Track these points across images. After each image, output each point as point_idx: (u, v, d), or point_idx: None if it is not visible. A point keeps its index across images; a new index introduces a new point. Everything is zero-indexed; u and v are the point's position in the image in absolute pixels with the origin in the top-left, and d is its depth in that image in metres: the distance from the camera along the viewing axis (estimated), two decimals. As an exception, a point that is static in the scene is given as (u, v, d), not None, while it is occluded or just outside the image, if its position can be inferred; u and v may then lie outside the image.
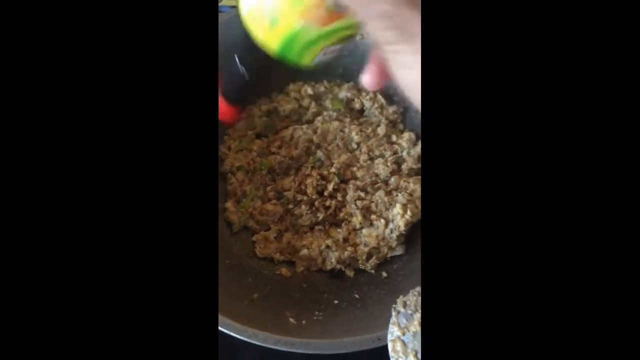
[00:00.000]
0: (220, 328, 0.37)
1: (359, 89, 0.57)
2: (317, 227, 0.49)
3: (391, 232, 0.47)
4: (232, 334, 0.37)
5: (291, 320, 0.41)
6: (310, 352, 0.37)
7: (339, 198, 0.49)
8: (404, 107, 0.56)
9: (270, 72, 0.32)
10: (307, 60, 0.29)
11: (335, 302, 0.44)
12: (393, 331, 0.32)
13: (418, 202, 0.48)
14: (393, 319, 0.33)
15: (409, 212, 0.47)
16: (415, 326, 0.32)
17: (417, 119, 0.55)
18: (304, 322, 0.41)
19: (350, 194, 0.49)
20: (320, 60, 0.29)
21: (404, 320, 0.32)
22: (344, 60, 0.57)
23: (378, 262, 0.47)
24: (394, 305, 0.33)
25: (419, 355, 0.31)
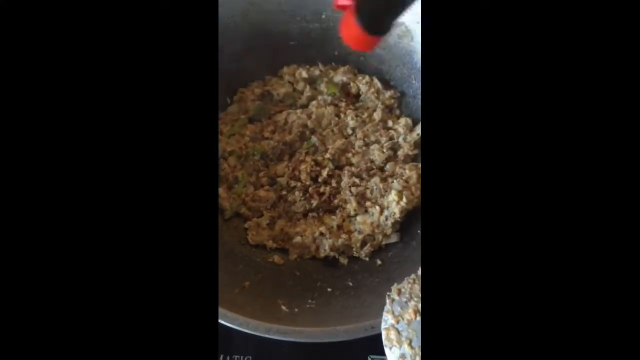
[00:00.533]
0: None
1: (355, 73, 0.55)
2: (310, 214, 0.48)
3: (386, 219, 0.46)
4: (222, 322, 0.36)
5: (283, 308, 0.40)
6: (302, 340, 0.36)
7: (334, 184, 0.48)
8: (401, 92, 0.55)
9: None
10: None
11: (329, 290, 0.43)
12: (387, 319, 0.32)
13: (414, 189, 0.47)
14: (387, 307, 0.32)
15: (404, 199, 0.46)
16: (410, 314, 0.31)
17: (414, 104, 0.53)
18: (296, 310, 0.40)
19: (345, 180, 0.48)
20: None
21: (398, 308, 0.32)
22: (339, 43, 0.55)
23: (372, 249, 0.46)
24: (388, 293, 0.32)
25: (413, 344, 0.30)
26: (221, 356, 0.44)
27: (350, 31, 0.31)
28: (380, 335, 0.35)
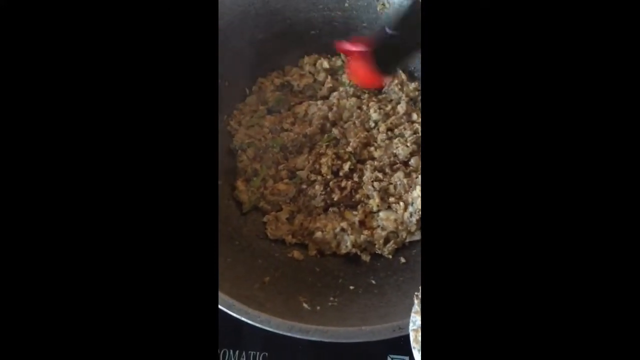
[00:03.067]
0: (230, 312, 0.35)
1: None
2: (331, 209, 0.46)
3: (410, 215, 0.45)
4: (243, 319, 0.35)
5: (305, 305, 0.39)
6: (325, 340, 0.35)
7: (355, 179, 0.47)
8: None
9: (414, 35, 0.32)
10: None
11: (351, 287, 0.42)
12: (415, 320, 0.30)
13: (439, 185, 0.45)
14: (415, 307, 0.31)
15: (430, 195, 0.44)
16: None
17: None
18: (318, 308, 0.39)
19: (367, 174, 0.47)
20: None
21: (428, 310, 0.30)
22: (362, 32, 0.53)
23: (396, 247, 0.45)
24: (416, 293, 0.31)
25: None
26: (237, 352, 0.43)
27: (363, 73, 0.36)
28: (402, 336, 0.33)
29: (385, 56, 0.34)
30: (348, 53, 0.37)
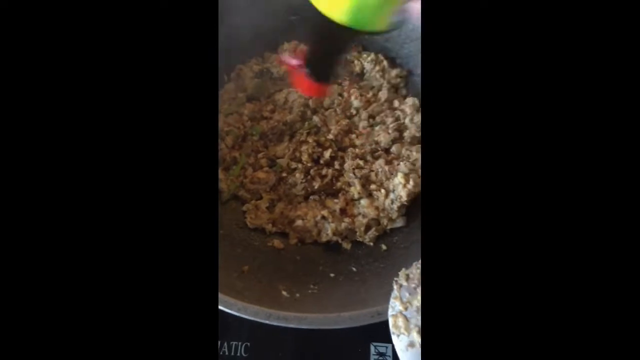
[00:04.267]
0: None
1: (360, 50, 0.53)
2: (312, 197, 0.46)
3: (392, 202, 0.44)
4: (221, 307, 0.34)
5: (284, 293, 0.38)
6: (304, 327, 0.34)
7: (336, 167, 0.46)
8: (408, 71, 0.52)
9: (338, 41, 0.31)
10: (381, 25, 0.28)
11: (331, 275, 0.42)
12: (395, 306, 0.30)
13: (421, 172, 0.45)
14: (395, 293, 0.30)
15: (411, 182, 0.44)
16: (419, 301, 0.29)
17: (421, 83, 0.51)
18: (297, 295, 0.38)
19: (349, 162, 0.46)
20: (395, 22, 0.29)
21: (407, 295, 0.30)
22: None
23: (377, 234, 0.44)
24: (395, 279, 0.30)
25: (423, 332, 0.28)
26: (218, 342, 0.43)
27: (304, 84, 0.35)
28: (384, 322, 0.33)
29: (319, 66, 0.33)
30: (287, 66, 0.36)
